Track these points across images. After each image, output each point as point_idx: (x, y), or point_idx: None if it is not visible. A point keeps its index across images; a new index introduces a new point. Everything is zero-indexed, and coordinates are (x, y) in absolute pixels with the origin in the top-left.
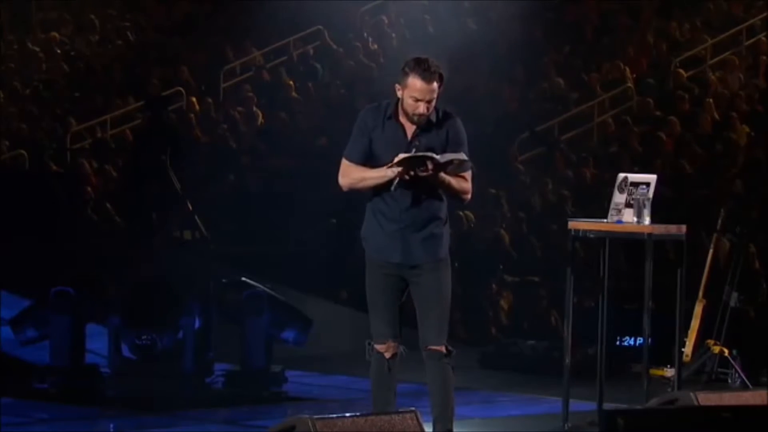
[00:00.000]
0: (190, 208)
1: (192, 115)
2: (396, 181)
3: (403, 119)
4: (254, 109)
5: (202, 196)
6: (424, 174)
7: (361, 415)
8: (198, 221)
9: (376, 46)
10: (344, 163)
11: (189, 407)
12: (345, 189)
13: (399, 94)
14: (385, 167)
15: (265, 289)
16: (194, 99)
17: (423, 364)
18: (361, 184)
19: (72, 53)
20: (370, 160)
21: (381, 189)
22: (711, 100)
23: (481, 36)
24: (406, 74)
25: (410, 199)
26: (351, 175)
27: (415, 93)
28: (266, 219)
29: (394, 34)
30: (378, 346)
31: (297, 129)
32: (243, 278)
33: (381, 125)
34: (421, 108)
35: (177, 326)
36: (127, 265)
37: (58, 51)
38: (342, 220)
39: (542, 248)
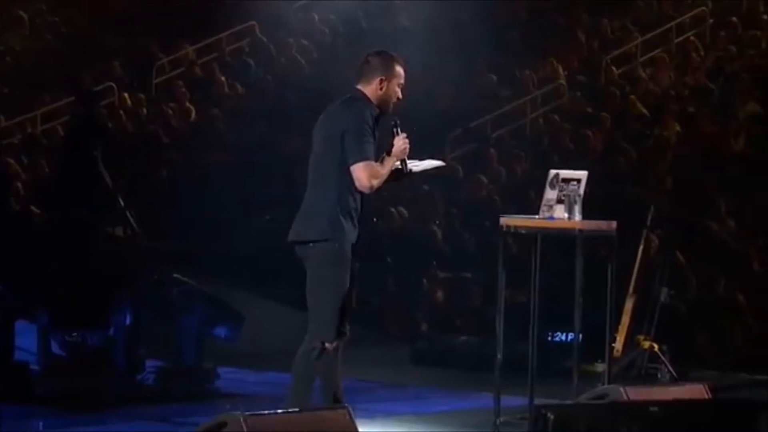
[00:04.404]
0: (122, 204)
1: (123, 111)
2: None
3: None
4: (187, 104)
5: (134, 192)
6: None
7: (292, 412)
8: (130, 217)
9: (308, 42)
10: (369, 165)
11: (120, 404)
12: (374, 190)
13: (382, 86)
14: (387, 157)
15: (197, 285)
16: (126, 95)
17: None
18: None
19: (1, 48)
20: None
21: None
22: (641, 97)
23: (413, 32)
24: (392, 65)
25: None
26: (379, 174)
27: (401, 79)
28: (199, 215)
29: (327, 30)
30: (329, 345)
31: (229, 125)
32: (175, 275)
33: (377, 123)
34: (401, 92)
35: (107, 323)
36: (57, 261)
37: None
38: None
39: (475, 244)
